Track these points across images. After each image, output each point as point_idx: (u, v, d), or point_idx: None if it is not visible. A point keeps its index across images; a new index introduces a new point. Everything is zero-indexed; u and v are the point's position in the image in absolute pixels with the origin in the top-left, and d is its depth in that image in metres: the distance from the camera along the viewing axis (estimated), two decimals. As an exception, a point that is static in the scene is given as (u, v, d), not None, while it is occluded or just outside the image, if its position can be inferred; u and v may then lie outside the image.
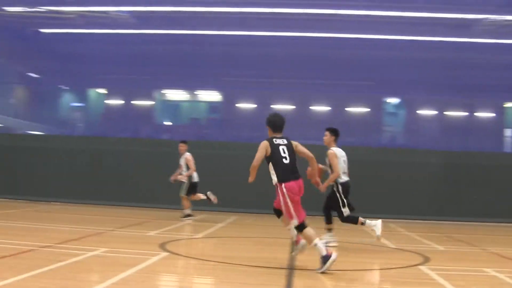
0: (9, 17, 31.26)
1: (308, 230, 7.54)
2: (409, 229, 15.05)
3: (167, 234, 11.40)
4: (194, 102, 48.48)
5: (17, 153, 19.95)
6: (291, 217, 7.58)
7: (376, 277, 7.94)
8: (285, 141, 7.84)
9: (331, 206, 10.47)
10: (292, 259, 8.46)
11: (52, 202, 18.55)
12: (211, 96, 47.54)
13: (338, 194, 10.30)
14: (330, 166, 10.35)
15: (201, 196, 14.87)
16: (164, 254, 8.47)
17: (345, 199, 10.28)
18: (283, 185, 7.56)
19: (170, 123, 46.84)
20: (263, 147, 7.73)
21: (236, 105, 45.86)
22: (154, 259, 7.91)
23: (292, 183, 7.57)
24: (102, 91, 44.39)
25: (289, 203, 7.53)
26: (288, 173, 7.62)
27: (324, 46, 35.06)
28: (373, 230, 10.15)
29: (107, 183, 19.38)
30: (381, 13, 29.72)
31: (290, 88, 40.43)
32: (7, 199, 18.60)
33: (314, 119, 43.71)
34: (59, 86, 39.49)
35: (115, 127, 30.78)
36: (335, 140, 10.56)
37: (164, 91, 47.12)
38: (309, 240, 7.53)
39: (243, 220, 15.87)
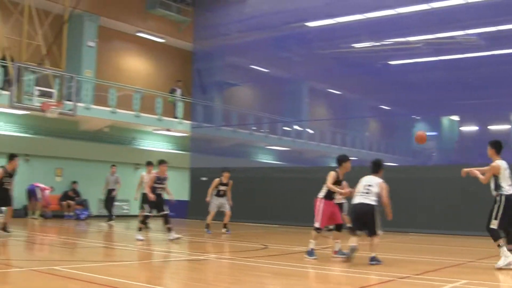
0: (359, 53, 32.88)
1: None
2: None
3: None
4: (557, 123, 45.18)
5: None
6: None
7: None
8: None
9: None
10: None
11: (409, 233, 19.00)
12: None
13: (497, 205, 10.39)
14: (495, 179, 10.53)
15: None
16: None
17: (502, 212, 10.30)
18: None
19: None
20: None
21: None
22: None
23: None
24: (455, 118, 44.06)
25: None
26: None
27: None
28: (505, 257, 10.09)
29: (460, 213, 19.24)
30: None
31: None
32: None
33: None
34: (411, 116, 40.12)
35: (470, 154, 30.19)
36: (497, 153, 10.70)
37: (522, 113, 44.90)
38: None
39: None
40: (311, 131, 35.98)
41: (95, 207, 26.17)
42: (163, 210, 15.02)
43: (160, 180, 15.25)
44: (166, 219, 14.95)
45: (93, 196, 25.48)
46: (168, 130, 28.93)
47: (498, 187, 10.42)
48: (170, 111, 29.10)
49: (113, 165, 23.04)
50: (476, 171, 10.81)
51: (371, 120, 39.67)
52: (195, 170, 27.61)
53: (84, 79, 25.62)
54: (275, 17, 30.03)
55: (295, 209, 23.02)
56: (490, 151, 10.78)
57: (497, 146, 10.81)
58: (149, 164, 19.39)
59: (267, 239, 16.31)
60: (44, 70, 20.00)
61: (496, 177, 10.47)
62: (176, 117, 28.92)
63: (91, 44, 27.58)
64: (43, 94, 19.62)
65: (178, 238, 14.70)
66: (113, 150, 27.44)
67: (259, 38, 30.85)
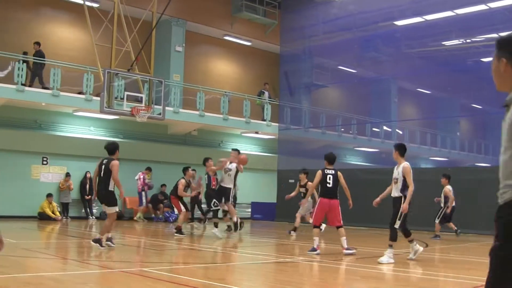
0: (448, 51, 32.06)
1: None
2: None
3: None
4: None
5: (466, 186, 20.40)
6: None
7: None
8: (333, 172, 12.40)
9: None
10: None
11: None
12: None
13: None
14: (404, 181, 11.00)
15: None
16: None
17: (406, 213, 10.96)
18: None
19: None
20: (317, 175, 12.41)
21: None
22: None
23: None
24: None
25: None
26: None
27: None
28: (414, 250, 11.30)
29: None
30: None
31: None
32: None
33: None
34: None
35: None
36: (401, 155, 11.19)
37: None
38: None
39: None
40: (400, 132, 35.36)
41: (184, 209, 26.52)
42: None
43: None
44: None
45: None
46: (256, 132, 29.10)
47: (404, 188, 10.93)
48: (258, 113, 29.28)
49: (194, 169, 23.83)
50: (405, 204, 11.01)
51: (462, 120, 38.55)
52: (283, 172, 27.65)
53: (172, 84, 26.12)
54: (362, 17, 29.74)
55: (383, 211, 22.61)
56: (395, 154, 11.27)
57: (401, 148, 11.28)
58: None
59: (355, 241, 16.11)
60: (133, 76, 20.48)
61: (404, 178, 10.93)
62: (264, 120, 29.05)
63: (179, 48, 28.11)
64: (133, 99, 20.08)
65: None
66: (202, 153, 27.75)
67: (346, 39, 30.61)
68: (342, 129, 33.25)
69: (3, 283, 7.56)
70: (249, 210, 29.05)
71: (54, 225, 20.54)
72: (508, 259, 2.88)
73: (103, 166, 12.58)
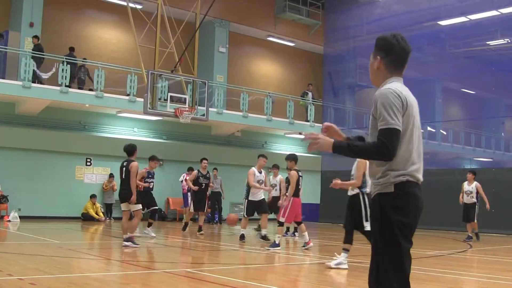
0: (494, 51, 31.56)
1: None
2: None
3: None
4: None
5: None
6: None
7: None
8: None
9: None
10: None
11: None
12: None
13: (363, 204, 9.80)
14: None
15: None
16: None
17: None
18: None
19: None
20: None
21: None
22: None
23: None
24: None
25: None
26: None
27: None
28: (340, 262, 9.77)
29: None
30: None
31: None
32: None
33: None
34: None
35: None
36: None
37: None
38: None
39: None
40: (444, 132, 34.84)
41: (227, 210, 26.41)
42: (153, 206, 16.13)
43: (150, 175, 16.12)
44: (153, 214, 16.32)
45: (226, 200, 25.65)
46: (299, 133, 28.92)
47: (363, 184, 9.85)
48: (301, 114, 29.11)
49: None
50: (341, 182, 9.90)
51: (507, 120, 37.90)
52: (327, 173, 27.40)
53: (216, 85, 26.09)
54: (407, 17, 29.45)
55: (427, 212, 22.10)
56: None
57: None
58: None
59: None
60: (177, 77, 20.50)
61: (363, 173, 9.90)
62: (307, 120, 28.87)
63: (222, 49, 28.12)
64: (176, 100, 20.07)
65: (153, 237, 15.52)
66: (245, 154, 27.71)
67: (391, 39, 30.30)
68: (386, 130, 32.85)
69: (47, 283, 7.57)
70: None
71: (98, 226, 20.65)
72: None
73: (124, 168, 13.00)
